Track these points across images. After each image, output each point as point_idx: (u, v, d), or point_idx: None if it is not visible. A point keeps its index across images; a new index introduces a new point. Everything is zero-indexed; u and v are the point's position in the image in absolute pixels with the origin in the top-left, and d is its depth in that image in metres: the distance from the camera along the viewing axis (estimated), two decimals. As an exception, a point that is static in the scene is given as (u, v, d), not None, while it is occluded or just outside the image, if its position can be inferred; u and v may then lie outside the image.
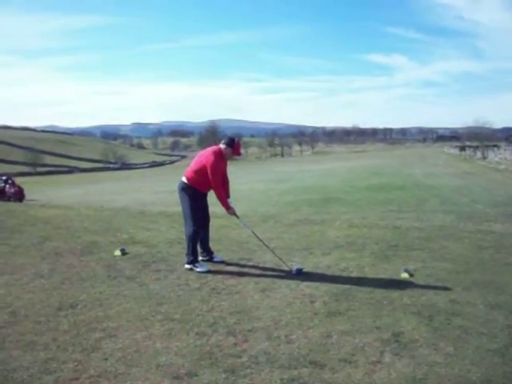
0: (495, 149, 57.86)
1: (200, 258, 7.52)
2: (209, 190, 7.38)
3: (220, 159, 7.30)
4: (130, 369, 4.09)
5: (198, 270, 7.16)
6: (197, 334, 4.86)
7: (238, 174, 40.96)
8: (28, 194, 28.23)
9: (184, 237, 7.63)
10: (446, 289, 6.25)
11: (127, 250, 8.37)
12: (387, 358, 4.26)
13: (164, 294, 6.15)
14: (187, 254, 7.33)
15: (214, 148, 7.43)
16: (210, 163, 7.16)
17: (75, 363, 4.19)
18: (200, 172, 7.24)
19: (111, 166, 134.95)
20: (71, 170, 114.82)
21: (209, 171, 7.13)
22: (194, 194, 7.29)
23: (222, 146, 7.38)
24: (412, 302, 5.73)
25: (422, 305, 5.64)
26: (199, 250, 7.56)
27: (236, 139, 7.58)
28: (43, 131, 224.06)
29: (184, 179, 7.37)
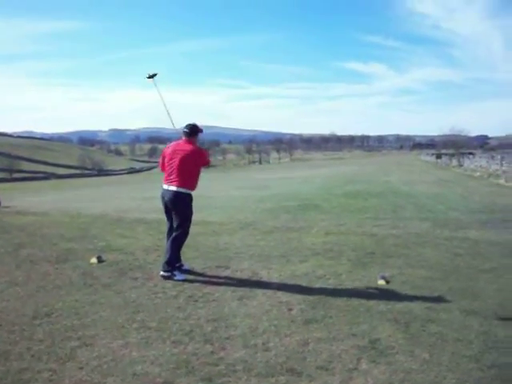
0: (471, 156, 58.56)
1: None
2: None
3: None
4: (106, 378, 4.04)
5: (176, 278, 7.08)
6: (173, 342, 4.83)
7: (215, 181, 40.88)
8: (3, 201, 27.85)
9: (167, 244, 7.35)
10: (422, 295, 6.29)
11: (104, 258, 8.32)
12: (364, 365, 4.27)
13: (141, 301, 6.11)
14: (167, 262, 7.16)
15: (192, 147, 7.22)
16: (205, 159, 7.39)
17: (50, 373, 4.14)
18: (194, 176, 7.18)
19: (88, 172, 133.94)
20: (48, 177, 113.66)
21: (206, 162, 7.41)
22: (191, 199, 7.23)
23: (192, 139, 7.32)
24: (388, 309, 5.76)
25: (399, 312, 5.67)
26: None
27: (192, 124, 7.41)
28: (19, 137, 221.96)
29: (176, 188, 7.10)
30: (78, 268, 7.81)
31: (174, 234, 7.23)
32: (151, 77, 7.82)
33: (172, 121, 7.72)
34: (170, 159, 7.20)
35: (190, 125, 7.36)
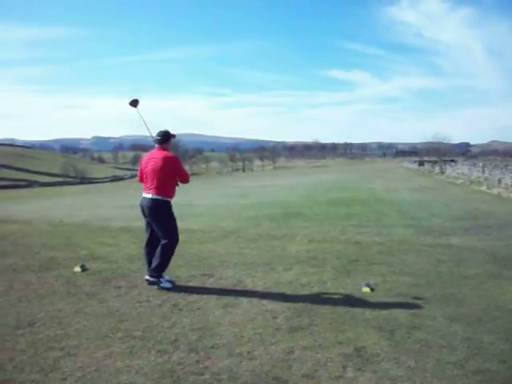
0: (453, 164, 59.04)
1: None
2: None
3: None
4: (90, 388, 4.00)
5: (162, 285, 7.00)
6: (158, 351, 4.79)
7: (198, 189, 40.84)
8: (-16, 210, 27.64)
9: (159, 249, 7.08)
10: (406, 302, 6.31)
11: (87, 266, 8.25)
12: (350, 373, 4.26)
13: (125, 310, 6.06)
14: (155, 268, 7.01)
15: (165, 153, 7.12)
16: (180, 168, 7.18)
17: (33, 384, 4.08)
18: (169, 182, 7.02)
19: (71, 180, 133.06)
20: (30, 184, 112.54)
21: (182, 173, 7.16)
22: (170, 207, 7.09)
23: (165, 146, 7.23)
24: (373, 317, 5.77)
25: (383, 319, 5.69)
26: (145, 263, 7.31)
27: (164, 130, 7.35)
28: (1, 144, 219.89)
29: (154, 196, 6.99)
30: (61, 277, 7.74)
31: (163, 242, 7.06)
32: (133, 104, 7.74)
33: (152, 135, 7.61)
34: (146, 168, 7.16)
35: (161, 132, 7.30)
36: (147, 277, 7.12)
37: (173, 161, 7.07)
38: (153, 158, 7.14)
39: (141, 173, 7.30)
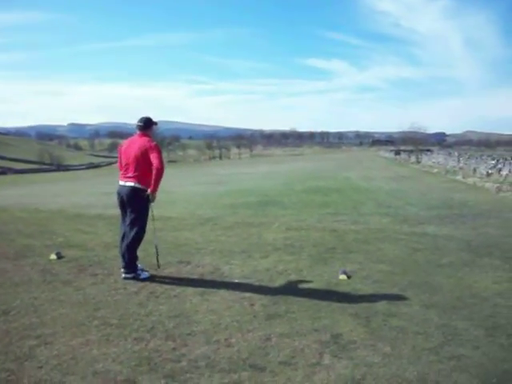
0: (429, 153, 59.49)
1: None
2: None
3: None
4: (66, 377, 3.97)
5: (141, 277, 6.90)
6: (135, 339, 4.77)
7: (175, 177, 40.68)
8: (-43, 197, 27.25)
9: (122, 244, 7.01)
10: (382, 290, 6.36)
11: (63, 254, 8.19)
12: (326, 360, 4.28)
13: (101, 298, 6.02)
14: (127, 264, 6.92)
15: (145, 140, 6.88)
16: (156, 157, 6.72)
17: (8, 373, 4.04)
18: (149, 171, 6.73)
19: (47, 167, 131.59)
20: (4, 171, 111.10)
21: (159, 160, 6.69)
22: (148, 195, 6.82)
23: (146, 132, 7.03)
24: (350, 304, 5.80)
25: (360, 306, 5.72)
26: (121, 257, 7.07)
27: (146, 117, 7.15)
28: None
29: (133, 184, 6.80)
30: (36, 264, 7.67)
31: (130, 235, 6.90)
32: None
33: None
34: (126, 155, 6.95)
35: (143, 118, 7.11)
36: (124, 275, 6.96)
37: (152, 148, 6.81)
38: (134, 145, 6.93)
39: (120, 160, 7.14)
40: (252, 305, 5.79)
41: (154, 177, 6.68)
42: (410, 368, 4.12)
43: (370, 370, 4.09)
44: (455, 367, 4.15)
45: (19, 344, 4.64)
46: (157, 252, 7.22)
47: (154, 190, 6.76)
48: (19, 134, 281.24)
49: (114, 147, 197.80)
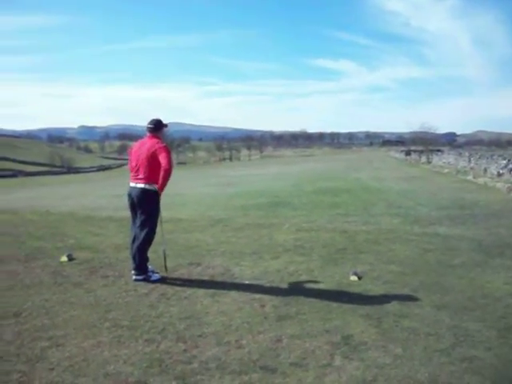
0: (439, 153, 59.17)
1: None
2: None
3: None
4: (78, 378, 3.98)
5: (152, 279, 6.92)
6: (146, 340, 4.78)
7: (185, 178, 40.71)
8: (-31, 199, 27.40)
9: (132, 246, 7.05)
10: (393, 291, 6.34)
11: (74, 256, 8.23)
12: (337, 361, 4.28)
13: (112, 300, 6.04)
14: (138, 266, 6.94)
15: (155, 142, 6.93)
16: (165, 158, 6.74)
17: (20, 374, 4.06)
18: (157, 171, 6.76)
19: (57, 169, 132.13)
20: (15, 174, 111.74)
21: (167, 160, 6.71)
22: (158, 197, 6.90)
23: (156, 134, 7.07)
24: (361, 305, 5.79)
25: (371, 307, 5.71)
26: (131, 259, 7.10)
27: (156, 119, 7.21)
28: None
29: (143, 185, 6.85)
30: (47, 266, 7.70)
31: (141, 237, 6.93)
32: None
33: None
34: (137, 157, 7.00)
35: (153, 120, 7.17)
36: (134, 276, 6.98)
37: (161, 149, 6.85)
38: (145, 146, 6.99)
39: (130, 161, 7.18)
40: (263, 306, 5.79)
41: (161, 177, 6.72)
42: (422, 369, 4.11)
43: (382, 371, 4.08)
44: (467, 369, 4.13)
45: (31, 346, 4.66)
46: (164, 256, 7.23)
47: (161, 190, 6.83)
48: (30, 136, 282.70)
49: (123, 149, 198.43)
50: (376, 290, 6.43)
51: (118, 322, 5.28)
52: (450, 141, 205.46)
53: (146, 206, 6.92)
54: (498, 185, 24.34)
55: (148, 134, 7.10)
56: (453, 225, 12.21)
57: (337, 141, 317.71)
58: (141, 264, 6.96)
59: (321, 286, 6.61)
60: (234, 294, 6.27)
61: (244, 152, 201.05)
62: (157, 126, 7.13)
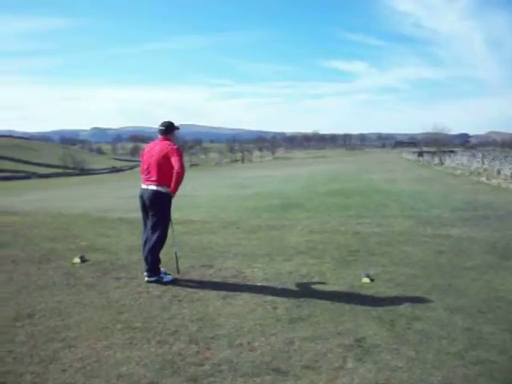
0: (452, 154, 58.84)
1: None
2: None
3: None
4: (90, 380, 3.99)
5: (164, 280, 6.92)
6: (158, 342, 4.79)
7: (197, 180, 40.78)
8: (-17, 201, 27.59)
9: (144, 248, 7.06)
10: (406, 293, 6.31)
11: (87, 258, 8.25)
12: (350, 364, 4.26)
13: (124, 302, 6.06)
14: (151, 268, 6.95)
15: (167, 144, 6.95)
16: (177, 160, 6.75)
17: (33, 375, 4.07)
18: (171, 173, 6.76)
19: (70, 171, 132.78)
20: (29, 176, 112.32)
21: (179, 163, 6.72)
22: (170, 199, 6.93)
23: (168, 137, 7.10)
24: (373, 307, 5.77)
25: (383, 310, 5.69)
26: (144, 261, 7.10)
27: (168, 121, 7.23)
28: (0, 136, 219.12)
29: (155, 187, 6.86)
30: (60, 268, 7.74)
31: (152, 238, 6.95)
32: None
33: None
34: (148, 159, 7.04)
35: (165, 122, 7.20)
36: (147, 278, 6.99)
37: (173, 152, 6.85)
38: (156, 148, 7.02)
39: (142, 163, 7.21)
40: (275, 308, 5.78)
41: (174, 180, 6.73)
42: (435, 373, 4.08)
43: (394, 374, 4.06)
44: (480, 372, 4.10)
45: (44, 347, 4.68)
46: (176, 257, 7.24)
47: (173, 193, 6.86)
48: (43, 138, 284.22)
49: (135, 151, 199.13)
50: (388, 292, 6.40)
51: (130, 324, 5.29)
52: (463, 142, 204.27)
53: (157, 208, 6.94)
54: (512, 186, 24.19)
55: (160, 136, 7.14)
56: (466, 226, 12.16)
57: (349, 142, 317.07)
58: (153, 266, 6.98)
59: (333, 288, 6.60)
60: (246, 296, 6.26)
61: (256, 154, 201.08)
62: (168, 129, 7.16)
